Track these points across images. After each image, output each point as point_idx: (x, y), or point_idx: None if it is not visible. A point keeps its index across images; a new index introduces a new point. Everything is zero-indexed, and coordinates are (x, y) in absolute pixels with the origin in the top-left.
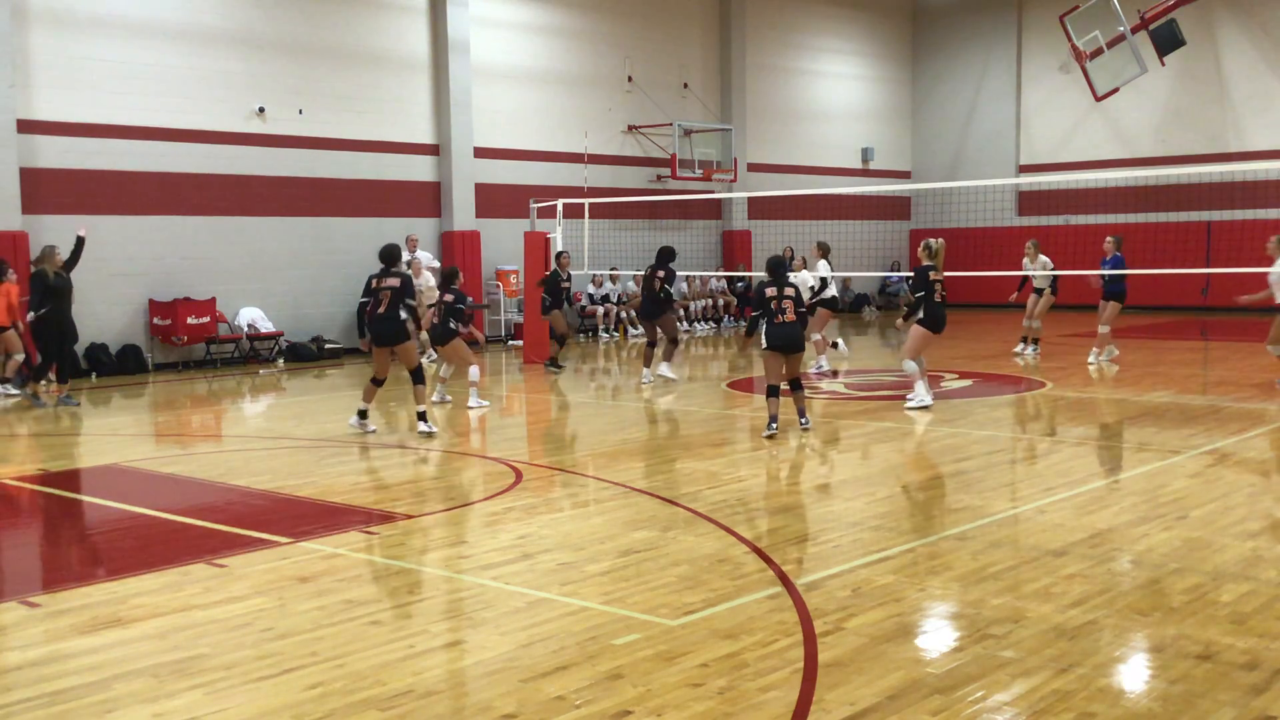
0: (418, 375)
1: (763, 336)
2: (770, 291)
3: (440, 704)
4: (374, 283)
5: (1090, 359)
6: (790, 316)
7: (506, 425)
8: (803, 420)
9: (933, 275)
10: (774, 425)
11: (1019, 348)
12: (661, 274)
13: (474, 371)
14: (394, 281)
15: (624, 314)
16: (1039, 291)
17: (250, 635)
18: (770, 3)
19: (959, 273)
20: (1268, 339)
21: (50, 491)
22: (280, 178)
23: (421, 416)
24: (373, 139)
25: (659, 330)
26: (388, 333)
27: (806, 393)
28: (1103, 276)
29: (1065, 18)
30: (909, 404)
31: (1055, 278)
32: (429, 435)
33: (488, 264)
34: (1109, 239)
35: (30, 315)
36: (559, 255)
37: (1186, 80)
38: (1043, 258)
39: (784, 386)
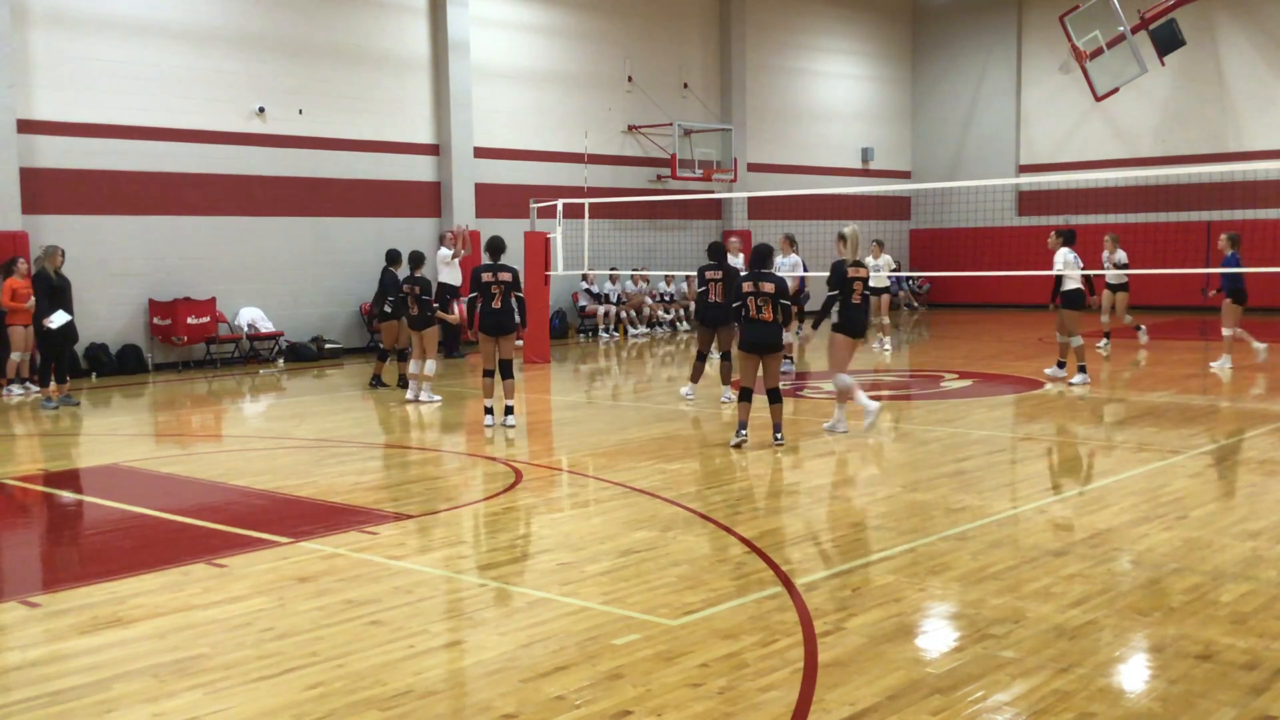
0: (508, 369)
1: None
2: (747, 286)
3: (440, 704)
4: (484, 276)
5: (1214, 365)
6: (767, 315)
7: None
8: (777, 436)
9: (851, 272)
10: (743, 433)
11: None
12: (719, 274)
13: (430, 365)
14: (507, 276)
15: (624, 314)
16: (1114, 288)
17: (250, 635)
18: (770, 3)
19: (959, 273)
20: None
21: (50, 491)
22: (280, 178)
23: (509, 410)
24: (373, 139)
25: (716, 340)
26: (508, 325)
27: (804, 394)
28: (1222, 277)
29: (1065, 18)
30: (826, 426)
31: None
32: (511, 426)
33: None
34: (1223, 236)
35: (50, 324)
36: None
37: (1186, 80)
38: (1120, 253)
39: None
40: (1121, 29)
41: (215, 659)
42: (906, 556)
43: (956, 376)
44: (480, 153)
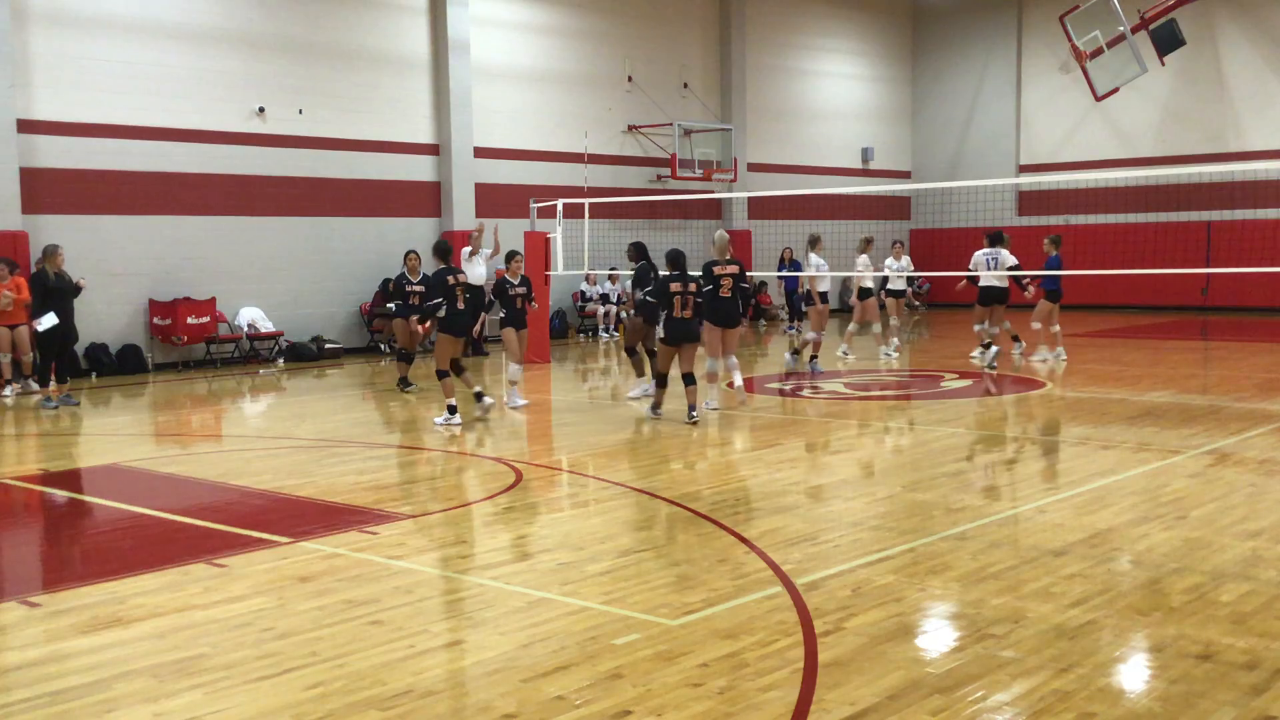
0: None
1: (660, 329)
2: (675, 286)
3: (440, 704)
4: (449, 280)
5: (1041, 357)
6: (689, 313)
7: (506, 425)
8: (692, 414)
9: (716, 269)
10: (659, 411)
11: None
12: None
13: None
14: (465, 278)
15: (624, 314)
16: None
17: (250, 635)
18: (770, 3)
19: (958, 273)
20: None
21: (50, 491)
22: (280, 178)
23: (480, 395)
24: (373, 139)
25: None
26: (469, 326)
27: (803, 394)
28: (1040, 277)
29: (1065, 18)
30: (710, 405)
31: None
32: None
33: (488, 264)
34: (1046, 239)
35: (38, 326)
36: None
37: (1186, 80)
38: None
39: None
40: (1121, 29)
41: (215, 659)
42: (906, 556)
43: (956, 376)
44: (480, 153)
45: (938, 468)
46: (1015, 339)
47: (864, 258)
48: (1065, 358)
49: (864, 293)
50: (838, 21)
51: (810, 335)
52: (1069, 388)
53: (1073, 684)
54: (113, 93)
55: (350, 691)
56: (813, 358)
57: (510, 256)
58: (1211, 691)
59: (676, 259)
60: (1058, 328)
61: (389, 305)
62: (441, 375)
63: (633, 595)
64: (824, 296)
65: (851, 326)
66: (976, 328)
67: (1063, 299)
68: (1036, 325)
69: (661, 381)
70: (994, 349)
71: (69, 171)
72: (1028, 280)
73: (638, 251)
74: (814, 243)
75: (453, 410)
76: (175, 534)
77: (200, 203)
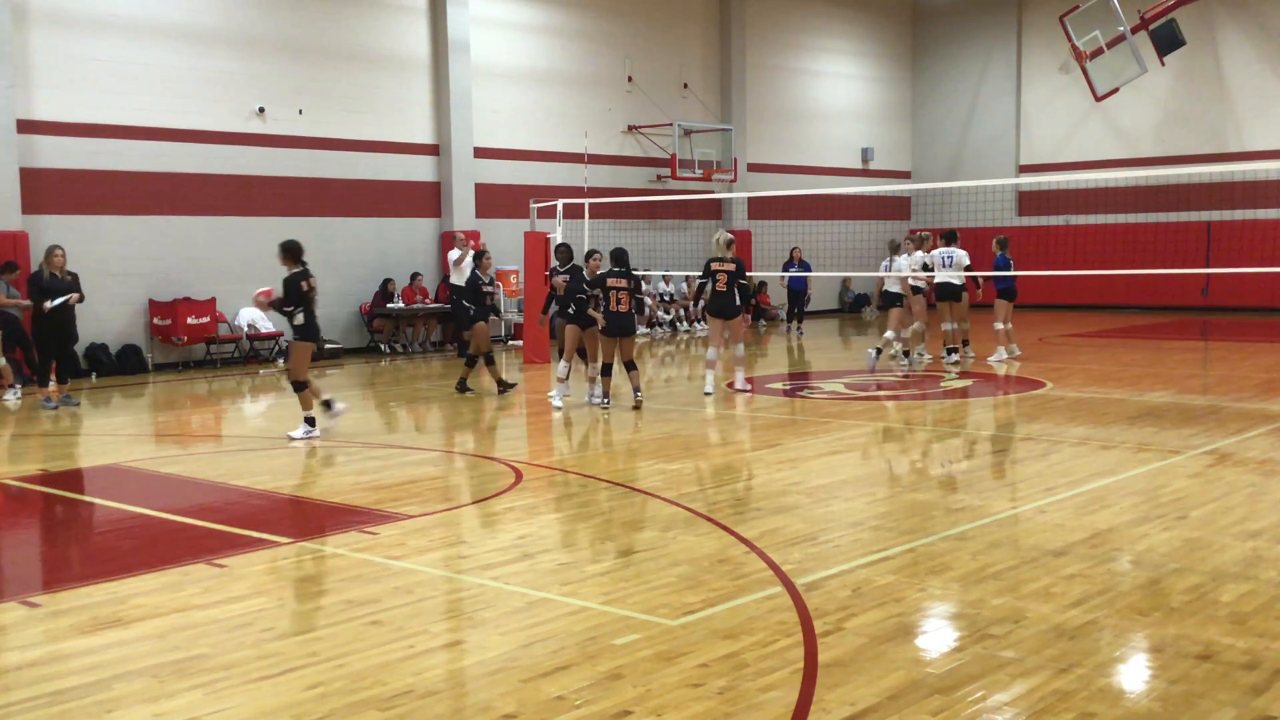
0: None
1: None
2: (612, 281)
3: (440, 704)
4: (303, 285)
5: (995, 356)
6: (624, 306)
7: (506, 425)
8: (636, 394)
9: (714, 265)
10: (607, 400)
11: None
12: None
13: (563, 367)
14: (315, 281)
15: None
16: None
17: (250, 635)
18: (770, 3)
19: (959, 273)
20: None
21: (50, 491)
22: (280, 178)
23: (312, 420)
24: (373, 139)
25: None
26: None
27: (804, 394)
28: (991, 277)
29: (1065, 18)
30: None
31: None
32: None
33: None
34: (995, 240)
35: (46, 306)
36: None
37: (1186, 80)
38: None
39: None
40: (1121, 29)
41: (215, 659)
42: (906, 556)
43: (956, 376)
44: (480, 153)
45: (937, 468)
46: (965, 342)
47: (934, 254)
48: (1020, 352)
49: (913, 290)
50: (838, 21)
51: (891, 334)
52: (1069, 388)
53: (1073, 684)
54: (113, 93)
55: (350, 691)
56: (905, 353)
57: (590, 255)
58: (1211, 691)
59: (618, 256)
60: (1002, 326)
61: (463, 302)
62: (299, 387)
63: (633, 595)
64: (898, 297)
65: (916, 325)
66: (945, 327)
67: (1017, 298)
68: (999, 326)
69: (605, 370)
70: (962, 353)
71: (69, 171)
72: (979, 291)
73: (566, 255)
74: (896, 248)
75: (311, 422)
76: (175, 534)
77: (200, 203)
